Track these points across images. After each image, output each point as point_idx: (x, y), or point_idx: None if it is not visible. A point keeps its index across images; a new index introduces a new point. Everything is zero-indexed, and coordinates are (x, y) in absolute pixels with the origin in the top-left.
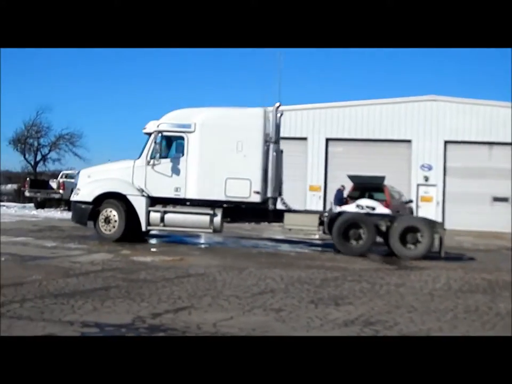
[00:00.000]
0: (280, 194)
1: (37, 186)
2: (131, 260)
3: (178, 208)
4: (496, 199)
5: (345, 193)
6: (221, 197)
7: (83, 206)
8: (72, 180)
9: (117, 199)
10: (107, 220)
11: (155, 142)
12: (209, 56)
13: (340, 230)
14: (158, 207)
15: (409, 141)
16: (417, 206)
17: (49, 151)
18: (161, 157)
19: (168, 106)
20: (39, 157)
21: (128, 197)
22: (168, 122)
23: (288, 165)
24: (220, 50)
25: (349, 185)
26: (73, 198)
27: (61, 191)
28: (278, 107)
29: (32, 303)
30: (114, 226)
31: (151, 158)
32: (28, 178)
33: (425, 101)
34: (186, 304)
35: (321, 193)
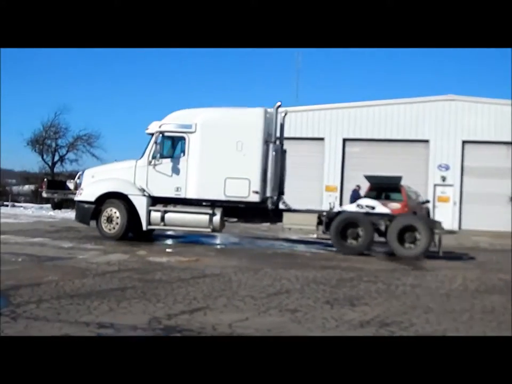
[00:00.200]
0: (282, 194)
1: (54, 187)
2: (147, 261)
3: (178, 208)
4: None
5: (362, 193)
6: (220, 197)
7: (86, 205)
8: None
9: (119, 198)
10: (109, 219)
11: (156, 143)
12: (235, 56)
13: (337, 229)
14: (159, 207)
15: (426, 141)
16: (434, 206)
17: (67, 151)
18: (162, 157)
19: (187, 107)
20: (56, 158)
21: (130, 196)
22: (169, 123)
23: (305, 165)
24: (244, 52)
25: (365, 186)
26: (77, 197)
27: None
28: (278, 107)
29: (49, 303)
30: (116, 226)
31: (152, 158)
32: (45, 179)
33: (443, 100)
34: (201, 305)
35: (338, 194)
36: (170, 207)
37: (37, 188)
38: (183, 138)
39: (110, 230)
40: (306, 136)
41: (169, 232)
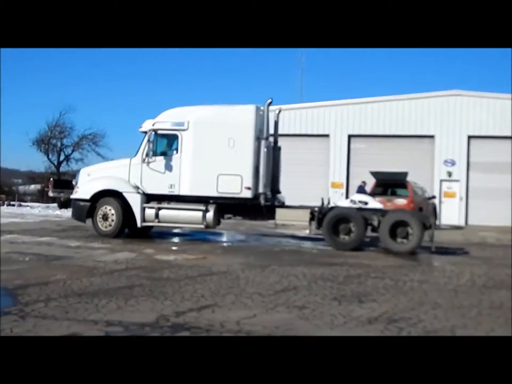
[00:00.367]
0: (277, 192)
1: (60, 186)
2: (154, 259)
3: (172, 205)
4: None
5: (367, 189)
6: (213, 193)
7: (82, 203)
8: None
9: (114, 196)
10: (105, 217)
11: (149, 141)
12: (238, 56)
13: (329, 225)
14: (153, 204)
15: (432, 137)
16: (440, 202)
17: (72, 151)
18: (155, 155)
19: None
20: (62, 157)
21: (124, 194)
22: (162, 121)
23: (310, 162)
24: (247, 52)
25: (371, 182)
26: (73, 195)
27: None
28: (269, 104)
29: (57, 302)
30: (112, 223)
31: (146, 156)
32: (51, 179)
33: (448, 95)
34: (209, 302)
35: (343, 190)
36: (164, 204)
37: (43, 187)
38: (176, 136)
39: (105, 227)
40: (311, 133)
41: (175, 230)
